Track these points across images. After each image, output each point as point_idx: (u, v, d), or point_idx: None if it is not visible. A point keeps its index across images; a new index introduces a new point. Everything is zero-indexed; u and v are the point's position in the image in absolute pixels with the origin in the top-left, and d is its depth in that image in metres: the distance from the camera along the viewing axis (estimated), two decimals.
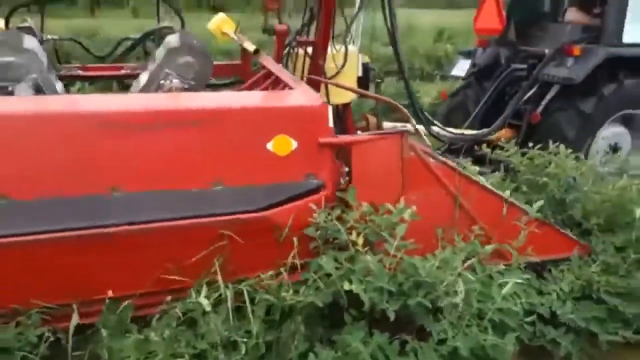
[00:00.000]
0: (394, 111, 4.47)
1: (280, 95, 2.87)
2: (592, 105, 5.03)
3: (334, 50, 4.38)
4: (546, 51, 5.39)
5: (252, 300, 2.48)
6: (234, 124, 2.53)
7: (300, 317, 2.49)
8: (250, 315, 2.44)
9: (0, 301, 2.35)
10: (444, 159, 3.04)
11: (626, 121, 5.35)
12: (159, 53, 3.69)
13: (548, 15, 6.41)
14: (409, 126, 3.43)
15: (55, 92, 3.41)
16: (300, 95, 2.75)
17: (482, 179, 3.13)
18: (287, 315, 2.54)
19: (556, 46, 5.40)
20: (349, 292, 2.40)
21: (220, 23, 4.63)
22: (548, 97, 5.14)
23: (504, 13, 6.08)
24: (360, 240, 2.50)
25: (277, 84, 3.30)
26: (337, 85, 3.76)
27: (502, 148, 3.98)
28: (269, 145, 2.57)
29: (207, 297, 2.41)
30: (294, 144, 2.60)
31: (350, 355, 2.35)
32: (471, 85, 6.16)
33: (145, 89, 3.60)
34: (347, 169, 2.76)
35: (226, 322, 2.43)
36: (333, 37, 4.19)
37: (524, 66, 5.75)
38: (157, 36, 3.99)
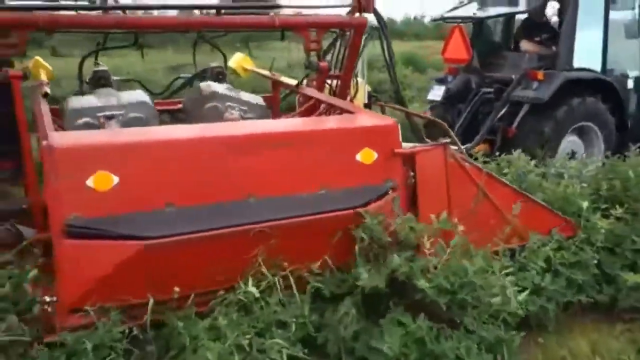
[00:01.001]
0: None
1: (359, 118, 3.58)
2: (554, 121, 6.07)
3: None
4: (513, 77, 6.42)
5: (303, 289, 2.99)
6: (333, 141, 3.24)
7: (351, 301, 3.00)
8: (298, 300, 2.95)
9: (158, 290, 2.87)
10: (474, 162, 3.85)
11: (579, 132, 6.44)
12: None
13: (502, 46, 7.53)
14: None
15: None
16: (374, 117, 3.49)
17: None
18: (334, 300, 3.05)
19: (516, 72, 6.47)
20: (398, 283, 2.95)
21: (241, 61, 5.32)
22: (521, 114, 6.13)
23: (469, 44, 7.11)
24: (428, 244, 3.02)
25: (333, 110, 4.03)
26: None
27: (471, 156, 4.73)
28: (358, 157, 3.28)
29: (256, 286, 2.87)
30: (375, 155, 3.32)
31: (410, 333, 2.85)
32: (447, 107, 7.11)
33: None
34: (412, 173, 3.49)
35: (279, 305, 2.89)
36: None
37: (492, 90, 6.78)
38: (209, 74, 4.61)
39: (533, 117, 6.11)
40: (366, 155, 3.30)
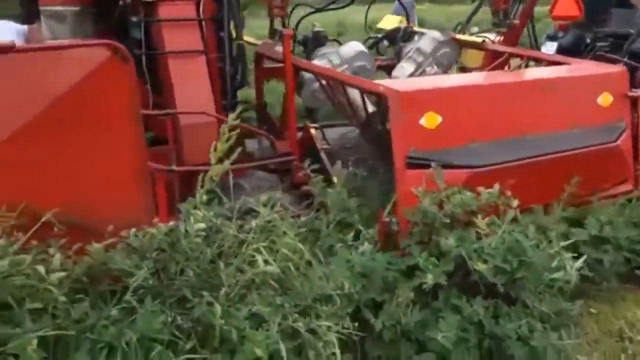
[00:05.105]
0: None
1: (596, 67, 4.08)
2: None
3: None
4: (631, 30, 6.87)
5: None
6: (582, 86, 3.74)
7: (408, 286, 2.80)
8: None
9: None
10: None
11: None
12: (423, 45, 4.80)
13: (608, 3, 7.94)
14: None
15: None
16: (605, 66, 4.00)
17: None
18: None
19: (629, 27, 6.92)
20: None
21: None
22: None
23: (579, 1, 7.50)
24: (483, 225, 2.91)
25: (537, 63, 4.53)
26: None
27: None
28: (599, 100, 3.78)
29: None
30: (611, 98, 3.82)
31: (467, 317, 2.76)
32: None
33: (414, 73, 4.73)
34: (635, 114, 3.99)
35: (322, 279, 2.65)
36: None
37: (607, 44, 7.22)
38: (403, 34, 5.07)
39: None
40: (605, 99, 3.80)
